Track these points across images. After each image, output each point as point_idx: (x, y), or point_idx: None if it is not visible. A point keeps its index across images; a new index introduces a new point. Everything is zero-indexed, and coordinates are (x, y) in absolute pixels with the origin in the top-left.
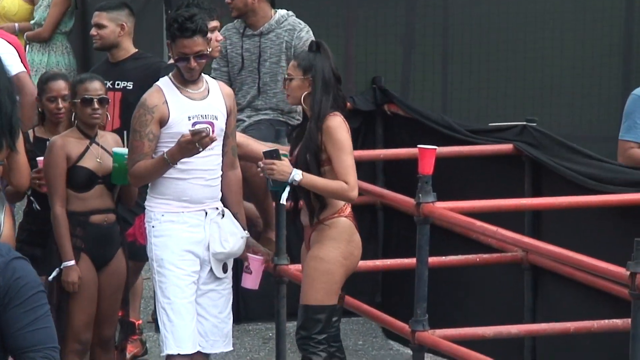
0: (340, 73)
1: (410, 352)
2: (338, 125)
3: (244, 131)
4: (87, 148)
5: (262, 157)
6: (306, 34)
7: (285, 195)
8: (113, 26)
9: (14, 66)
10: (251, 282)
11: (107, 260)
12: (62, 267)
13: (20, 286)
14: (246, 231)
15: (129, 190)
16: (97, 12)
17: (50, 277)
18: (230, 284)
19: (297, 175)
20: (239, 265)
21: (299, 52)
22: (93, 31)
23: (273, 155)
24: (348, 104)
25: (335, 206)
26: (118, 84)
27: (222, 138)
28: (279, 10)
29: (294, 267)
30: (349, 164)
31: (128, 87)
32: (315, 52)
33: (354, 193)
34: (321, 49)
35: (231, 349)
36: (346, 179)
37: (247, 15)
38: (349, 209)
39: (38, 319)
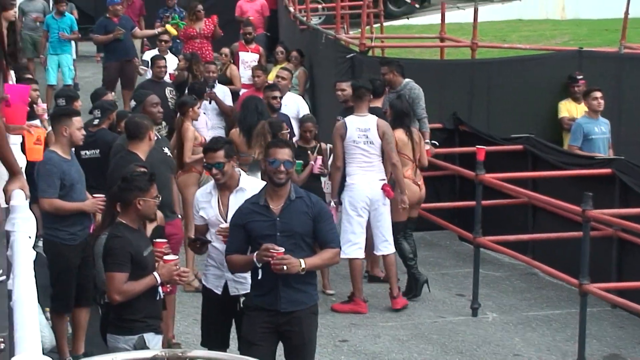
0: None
1: (472, 247)
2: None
3: None
4: None
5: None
6: (417, 90)
7: None
8: None
9: None
10: None
11: None
12: None
13: (322, 213)
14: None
15: None
16: None
17: None
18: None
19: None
20: None
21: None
22: None
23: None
24: (441, 124)
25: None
26: None
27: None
28: (406, 78)
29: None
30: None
31: None
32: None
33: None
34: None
35: None
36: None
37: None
38: (408, 173)
39: (331, 229)
